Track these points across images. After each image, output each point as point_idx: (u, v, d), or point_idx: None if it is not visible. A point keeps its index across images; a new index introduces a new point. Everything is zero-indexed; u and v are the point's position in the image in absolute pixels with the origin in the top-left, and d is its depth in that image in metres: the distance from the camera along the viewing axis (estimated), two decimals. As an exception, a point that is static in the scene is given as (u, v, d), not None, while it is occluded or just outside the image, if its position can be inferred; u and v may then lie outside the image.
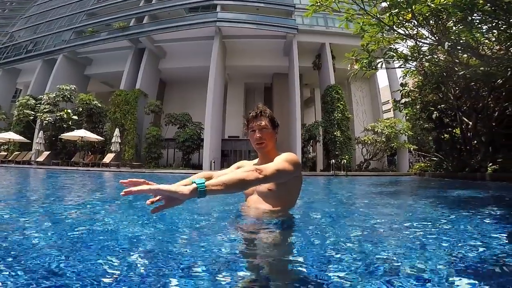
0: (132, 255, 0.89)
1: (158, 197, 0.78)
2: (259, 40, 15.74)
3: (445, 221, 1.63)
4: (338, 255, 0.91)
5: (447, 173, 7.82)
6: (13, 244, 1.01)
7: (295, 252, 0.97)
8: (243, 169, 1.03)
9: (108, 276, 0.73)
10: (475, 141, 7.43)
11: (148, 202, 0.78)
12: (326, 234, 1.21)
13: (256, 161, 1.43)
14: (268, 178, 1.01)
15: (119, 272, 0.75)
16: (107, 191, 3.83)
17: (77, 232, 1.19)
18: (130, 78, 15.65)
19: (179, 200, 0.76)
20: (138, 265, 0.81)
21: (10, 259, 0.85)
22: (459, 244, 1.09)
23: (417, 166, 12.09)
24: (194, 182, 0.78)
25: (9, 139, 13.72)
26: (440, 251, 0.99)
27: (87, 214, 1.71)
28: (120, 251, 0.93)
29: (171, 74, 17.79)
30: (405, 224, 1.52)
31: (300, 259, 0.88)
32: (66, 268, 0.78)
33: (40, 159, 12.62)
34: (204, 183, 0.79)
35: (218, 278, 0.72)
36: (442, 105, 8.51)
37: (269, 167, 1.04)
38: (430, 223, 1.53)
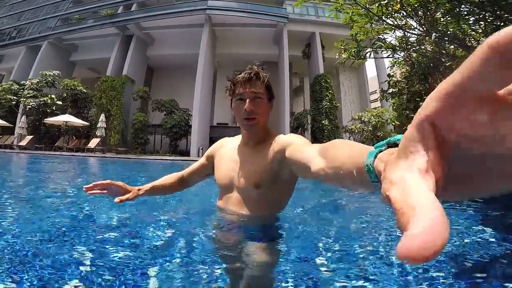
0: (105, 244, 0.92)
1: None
2: (249, 28, 15.62)
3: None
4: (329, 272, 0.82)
5: None
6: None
7: (281, 269, 0.82)
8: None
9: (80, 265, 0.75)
10: None
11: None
12: (315, 243, 1.02)
13: (238, 139, 1.06)
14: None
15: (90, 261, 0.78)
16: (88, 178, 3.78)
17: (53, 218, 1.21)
18: (117, 64, 15.35)
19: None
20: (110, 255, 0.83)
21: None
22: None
23: None
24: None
25: (-10, 124, 13.34)
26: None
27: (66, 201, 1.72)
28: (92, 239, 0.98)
29: (160, 61, 17.55)
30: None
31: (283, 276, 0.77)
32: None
33: (23, 143, 12.35)
34: None
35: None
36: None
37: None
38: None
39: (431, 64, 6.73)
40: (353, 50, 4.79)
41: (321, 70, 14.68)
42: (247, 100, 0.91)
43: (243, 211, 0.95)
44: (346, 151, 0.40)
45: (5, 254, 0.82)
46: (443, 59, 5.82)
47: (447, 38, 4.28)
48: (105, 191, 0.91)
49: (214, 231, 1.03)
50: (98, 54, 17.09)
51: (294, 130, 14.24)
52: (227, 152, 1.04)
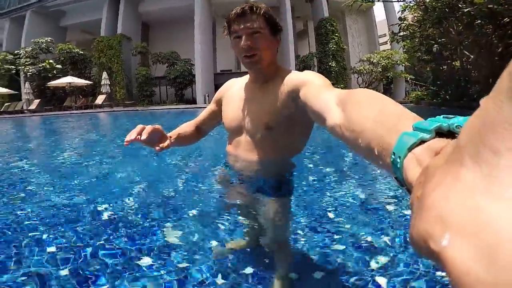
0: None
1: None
2: (246, -28, 14.54)
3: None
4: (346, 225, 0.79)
5: (445, 102, 7.79)
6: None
7: (297, 222, 0.81)
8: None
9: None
10: (475, 73, 7.31)
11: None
12: (328, 194, 0.97)
13: (246, 78, 0.94)
14: None
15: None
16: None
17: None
18: (110, 24, 14.74)
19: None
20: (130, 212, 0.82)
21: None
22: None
23: (414, 95, 12.07)
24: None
25: (-4, 93, 13.37)
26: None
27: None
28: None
29: (154, 16, 16.72)
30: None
31: (300, 232, 0.76)
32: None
33: (32, 107, 12.52)
34: None
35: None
36: (443, 39, 8.28)
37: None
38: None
39: (446, 9, 6.27)
40: None
41: (326, 13, 14.04)
42: (243, 37, 0.79)
43: (254, 156, 0.85)
44: (371, 115, 0.29)
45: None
46: (460, 5, 5.47)
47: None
48: (144, 138, 0.70)
49: (225, 184, 0.99)
50: (89, 16, 16.31)
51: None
52: (235, 92, 0.93)
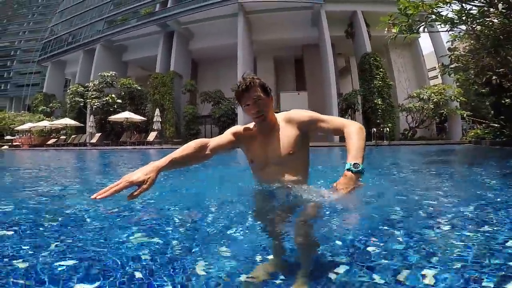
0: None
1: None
2: (284, 12, 15.20)
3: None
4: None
5: (510, 141, 6.87)
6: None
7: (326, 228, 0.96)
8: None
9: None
10: None
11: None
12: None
13: (251, 126, 1.24)
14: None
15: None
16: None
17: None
18: (164, 61, 16.24)
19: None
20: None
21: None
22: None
23: (472, 134, 10.90)
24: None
25: (66, 124, 15.32)
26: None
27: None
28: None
29: (202, 53, 18.08)
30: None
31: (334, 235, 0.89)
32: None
33: (94, 140, 13.93)
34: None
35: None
36: (502, 69, 7.52)
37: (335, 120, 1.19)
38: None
39: (501, 37, 5.70)
40: (403, 24, 4.39)
41: (369, 48, 13.72)
42: (251, 104, 1.12)
43: (288, 177, 1.16)
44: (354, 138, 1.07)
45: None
46: None
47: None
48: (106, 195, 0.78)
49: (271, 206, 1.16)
50: (146, 52, 18.21)
51: (342, 111, 13.56)
52: (253, 137, 1.23)
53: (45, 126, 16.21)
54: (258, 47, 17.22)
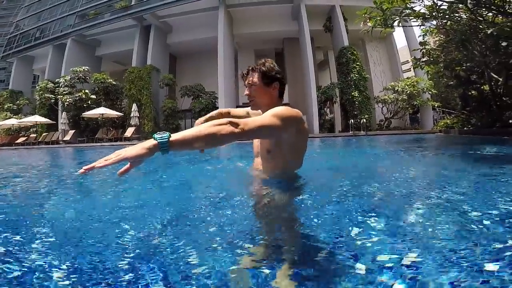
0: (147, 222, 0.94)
1: (126, 167, 0.73)
2: (264, 6, 15.12)
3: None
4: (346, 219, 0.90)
5: (476, 130, 7.38)
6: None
7: (302, 214, 0.98)
8: (215, 121, 0.82)
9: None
10: (507, 97, 6.95)
11: (118, 173, 0.73)
12: (330, 195, 1.16)
13: (248, 109, 1.35)
14: (248, 133, 0.86)
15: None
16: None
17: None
18: (141, 55, 15.67)
19: (141, 160, 0.72)
20: (155, 232, 0.84)
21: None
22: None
23: (442, 123, 11.58)
24: (154, 138, 0.72)
25: (36, 122, 14.44)
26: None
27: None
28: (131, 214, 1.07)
29: (180, 47, 17.59)
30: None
31: (306, 221, 0.90)
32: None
33: (67, 138, 13.27)
34: (167, 138, 0.72)
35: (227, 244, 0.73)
36: (468, 63, 8.02)
37: (251, 122, 0.89)
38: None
39: (468, 31, 6.09)
40: (378, 18, 4.54)
41: (346, 42, 14.03)
42: (247, 88, 1.23)
43: (264, 168, 1.30)
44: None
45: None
46: (481, 26, 5.29)
47: (483, 5, 3.79)
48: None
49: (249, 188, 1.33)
50: (121, 46, 17.45)
51: (321, 103, 13.90)
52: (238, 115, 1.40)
53: (13, 124, 15.19)
54: (239, 40, 17.06)
